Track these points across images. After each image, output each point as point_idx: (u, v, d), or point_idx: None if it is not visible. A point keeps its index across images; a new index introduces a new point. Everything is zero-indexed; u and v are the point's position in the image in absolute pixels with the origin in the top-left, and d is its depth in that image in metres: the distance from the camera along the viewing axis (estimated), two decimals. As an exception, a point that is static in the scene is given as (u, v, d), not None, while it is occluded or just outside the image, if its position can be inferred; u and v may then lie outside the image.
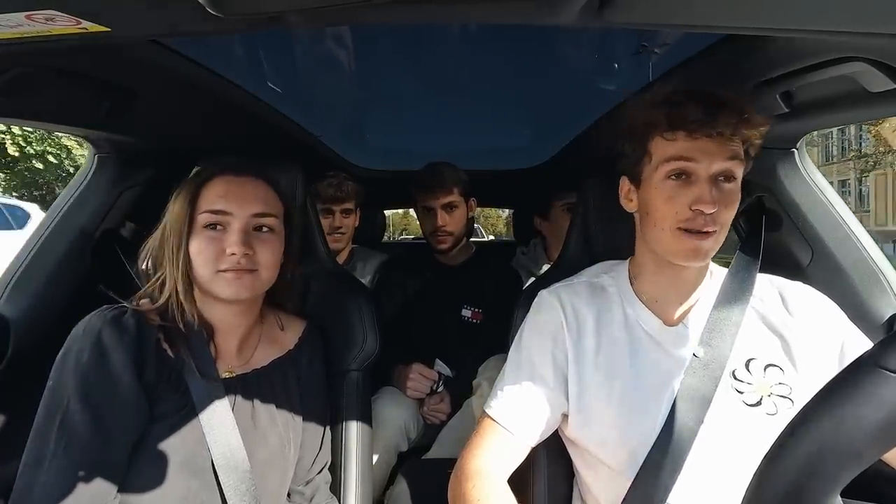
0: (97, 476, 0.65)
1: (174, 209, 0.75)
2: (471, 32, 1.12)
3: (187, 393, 0.72)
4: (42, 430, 0.65)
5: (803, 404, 0.36)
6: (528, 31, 1.07)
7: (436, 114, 1.77)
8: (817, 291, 0.76)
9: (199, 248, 0.72)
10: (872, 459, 0.30)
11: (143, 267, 0.78)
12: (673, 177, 0.69)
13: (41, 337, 0.98)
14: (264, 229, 0.77)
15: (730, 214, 0.69)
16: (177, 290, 0.73)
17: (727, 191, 0.68)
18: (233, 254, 0.72)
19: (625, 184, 0.78)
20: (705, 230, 0.67)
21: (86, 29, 0.44)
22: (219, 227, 0.74)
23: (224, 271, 0.72)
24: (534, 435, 0.76)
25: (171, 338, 0.74)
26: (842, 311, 0.74)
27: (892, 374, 0.31)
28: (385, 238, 2.85)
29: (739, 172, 0.69)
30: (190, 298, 0.74)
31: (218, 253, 0.72)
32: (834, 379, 0.34)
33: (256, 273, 0.75)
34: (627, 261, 0.83)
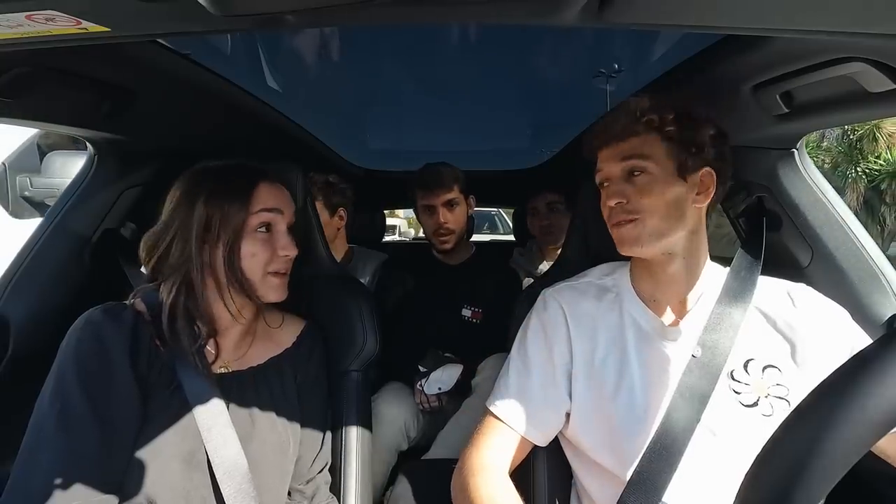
0: (98, 462, 0.65)
1: (222, 210, 0.74)
2: (470, 34, 1.12)
3: (180, 388, 0.72)
4: (42, 418, 0.65)
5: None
6: (528, 32, 1.07)
7: (436, 115, 1.78)
8: (824, 296, 0.76)
9: (252, 251, 0.75)
10: (860, 456, 0.30)
11: (149, 269, 0.77)
12: (601, 186, 0.80)
13: (41, 337, 0.98)
14: (290, 232, 0.82)
15: (647, 202, 0.73)
16: (203, 289, 0.74)
17: (639, 182, 0.74)
18: (286, 255, 0.77)
19: None
20: (621, 219, 0.74)
21: (86, 29, 0.44)
22: (268, 228, 0.78)
23: (274, 273, 0.77)
24: (536, 432, 0.76)
25: (165, 335, 0.73)
26: (849, 316, 0.73)
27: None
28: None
29: (648, 164, 0.74)
30: (228, 297, 0.76)
31: (271, 255, 0.77)
32: (826, 379, 0.34)
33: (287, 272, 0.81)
34: (629, 262, 0.84)
